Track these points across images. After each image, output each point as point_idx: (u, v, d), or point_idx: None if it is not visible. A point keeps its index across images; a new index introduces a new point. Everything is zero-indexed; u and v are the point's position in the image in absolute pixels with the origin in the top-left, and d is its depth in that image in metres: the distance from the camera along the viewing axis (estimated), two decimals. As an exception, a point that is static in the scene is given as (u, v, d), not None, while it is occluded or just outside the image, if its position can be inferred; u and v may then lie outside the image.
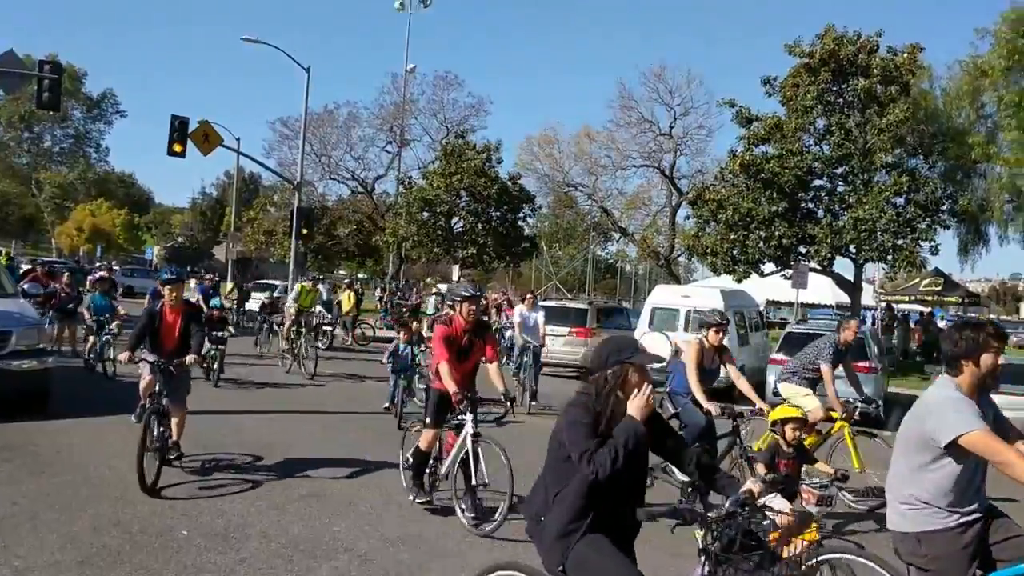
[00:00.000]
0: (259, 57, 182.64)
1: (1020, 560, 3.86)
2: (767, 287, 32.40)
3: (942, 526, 3.91)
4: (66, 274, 17.97)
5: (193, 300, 16.08)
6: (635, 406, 3.64)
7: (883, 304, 34.49)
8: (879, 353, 17.75)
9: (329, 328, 22.47)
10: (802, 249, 26.76)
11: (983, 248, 31.16)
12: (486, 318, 25.04)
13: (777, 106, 28.07)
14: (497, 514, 6.93)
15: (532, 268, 73.18)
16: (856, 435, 8.89)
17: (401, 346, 12.66)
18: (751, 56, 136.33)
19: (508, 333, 21.85)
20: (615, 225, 48.55)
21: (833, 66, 26.20)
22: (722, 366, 8.58)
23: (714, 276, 31.61)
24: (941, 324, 34.67)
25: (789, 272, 25.65)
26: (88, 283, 19.94)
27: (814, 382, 9.26)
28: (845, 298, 30.29)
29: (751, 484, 3.86)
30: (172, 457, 8.01)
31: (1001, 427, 4.13)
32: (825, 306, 38.89)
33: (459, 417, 7.24)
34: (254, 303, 29.18)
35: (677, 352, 17.98)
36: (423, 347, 14.08)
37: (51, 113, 47.00)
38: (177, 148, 23.87)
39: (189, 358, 7.92)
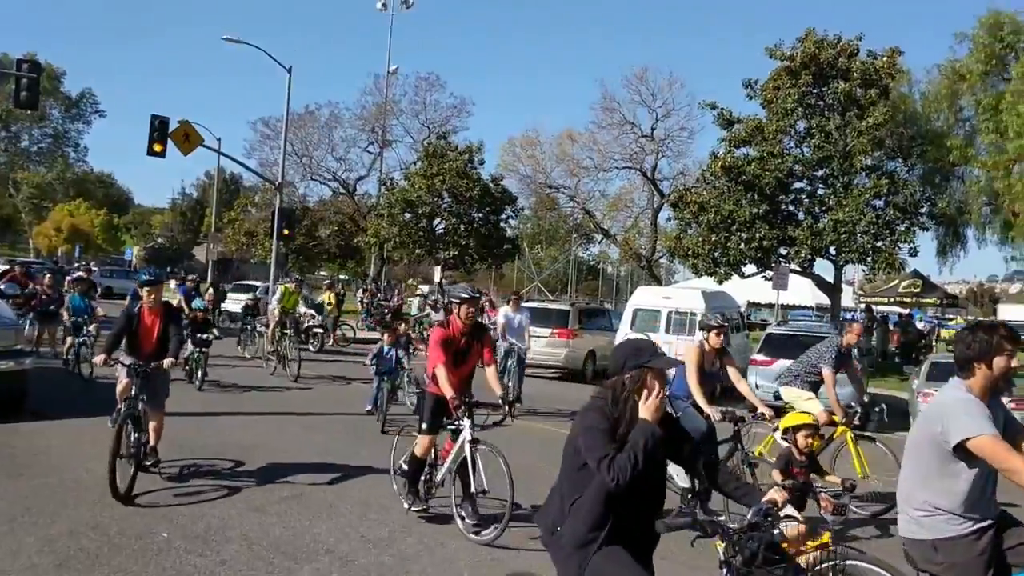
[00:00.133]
0: (240, 57, 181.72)
1: None
2: (748, 288, 32.55)
3: (958, 533, 3.85)
4: (48, 275, 17.76)
5: (175, 302, 15.90)
6: (647, 409, 3.53)
7: (862, 305, 34.75)
8: (859, 354, 17.85)
9: (320, 331, 22.31)
10: (782, 251, 26.91)
11: (961, 250, 31.52)
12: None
13: (758, 109, 28.26)
14: (499, 522, 6.76)
15: (514, 269, 73.19)
16: (857, 440, 8.80)
17: (385, 348, 12.48)
18: (733, 59, 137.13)
19: (490, 334, 21.89)
20: (597, 227, 48.72)
21: (814, 69, 26.38)
22: (723, 369, 8.42)
23: (695, 277, 31.76)
24: (919, 325, 34.95)
25: (770, 274, 25.78)
26: (66, 284, 19.75)
27: (816, 385, 9.15)
28: (825, 300, 30.52)
29: (774, 493, 3.67)
30: (149, 463, 7.87)
31: (1012, 430, 4.10)
32: (805, 307, 39.14)
33: (457, 422, 7.03)
34: (233, 304, 29.02)
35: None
36: (411, 349, 13.98)
37: (29, 112, 46.53)
38: (157, 148, 23.71)
39: (167, 361, 7.73)
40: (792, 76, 26.66)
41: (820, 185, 27.22)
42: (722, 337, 8.25)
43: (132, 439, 7.43)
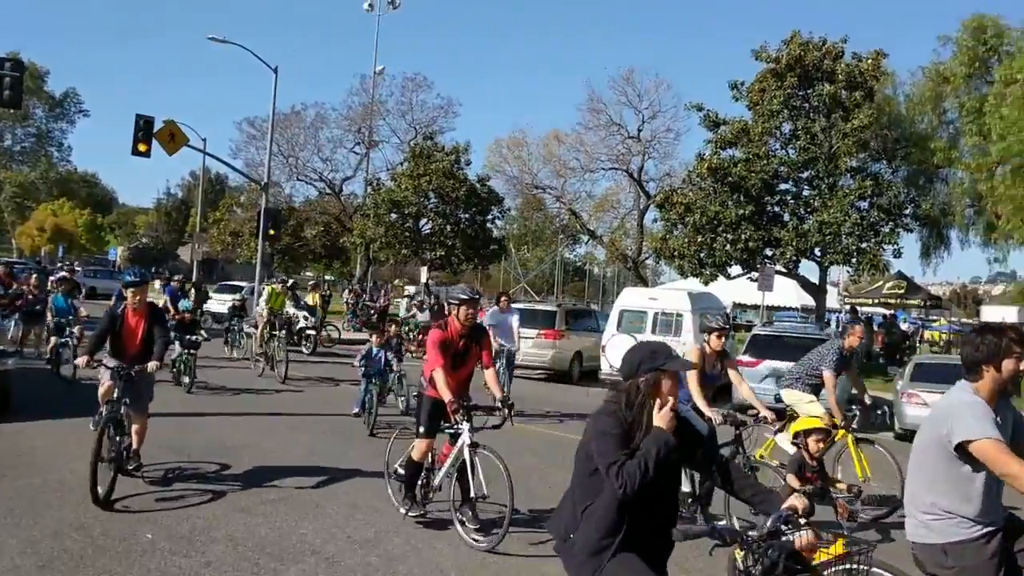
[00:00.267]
0: (226, 57, 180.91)
1: None
2: (734, 289, 32.66)
3: (967, 536, 3.82)
4: (34, 275, 17.61)
5: (160, 302, 15.75)
6: (661, 417, 3.44)
7: (847, 307, 34.91)
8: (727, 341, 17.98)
9: (313, 332, 21.94)
10: (768, 252, 27.03)
11: (945, 252, 31.72)
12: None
13: (744, 110, 28.40)
14: (498, 527, 6.69)
15: (500, 270, 73.18)
16: (858, 443, 8.74)
17: (374, 350, 12.38)
18: (719, 61, 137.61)
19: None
20: (583, 227, 48.76)
21: (799, 71, 26.52)
22: (724, 372, 8.30)
23: (681, 279, 31.85)
24: (903, 327, 35.17)
25: (755, 275, 25.88)
26: (49, 284, 19.58)
27: (817, 388, 9.05)
28: (810, 301, 30.65)
29: (794, 500, 3.55)
30: (131, 467, 7.77)
31: (1021, 432, 4.09)
32: (790, 308, 39.29)
33: (455, 426, 6.88)
34: (218, 304, 28.86)
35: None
36: (405, 351, 13.86)
37: (12, 112, 46.20)
38: (142, 148, 23.60)
39: (151, 364, 7.56)
40: (778, 78, 26.79)
41: (805, 186, 27.36)
42: (723, 340, 8.14)
43: (114, 443, 7.27)
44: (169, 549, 6.14)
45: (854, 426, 8.93)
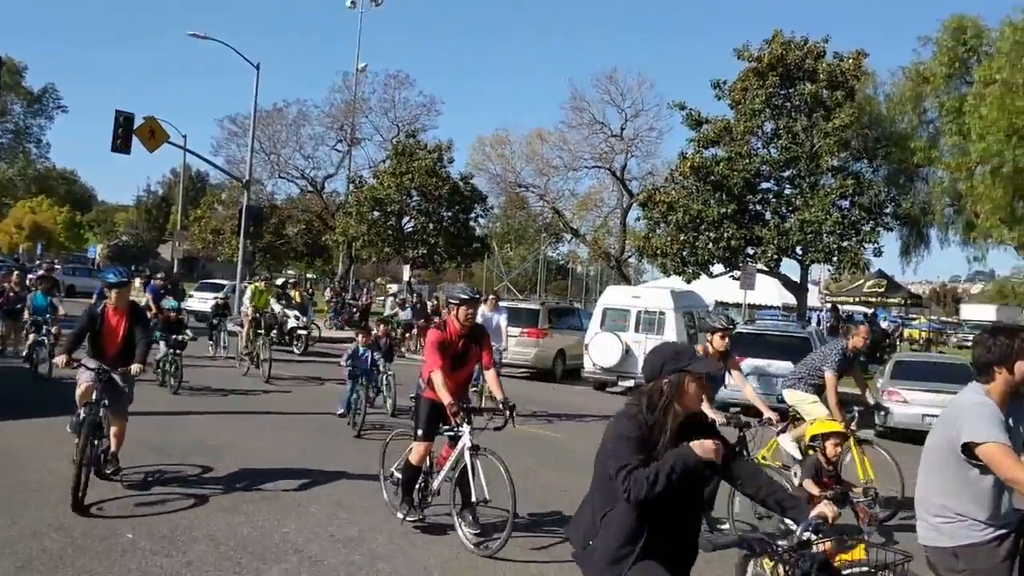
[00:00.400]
0: (207, 53, 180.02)
1: None
2: (716, 288, 32.71)
3: (978, 539, 3.77)
4: (15, 273, 17.42)
5: (142, 301, 15.56)
6: (702, 447, 3.25)
7: (828, 305, 35.10)
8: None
9: (304, 332, 21.55)
10: (750, 250, 27.13)
11: (924, 251, 31.93)
12: (436, 318, 25.00)
13: (726, 109, 28.47)
14: (499, 531, 6.61)
15: (483, 269, 73.10)
16: (859, 444, 8.67)
17: (360, 349, 12.17)
18: (702, 60, 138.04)
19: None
20: (566, 226, 48.81)
21: (781, 71, 26.63)
22: (727, 373, 8.16)
23: (664, 277, 31.92)
24: (884, 325, 35.41)
25: (737, 273, 25.97)
26: (28, 281, 19.39)
27: (820, 388, 8.87)
28: (792, 299, 30.78)
29: (824, 508, 3.38)
30: (109, 471, 7.60)
31: None
32: (772, 307, 39.44)
33: (455, 429, 6.75)
34: (199, 303, 28.67)
35: (628, 351, 18.18)
36: (397, 351, 13.66)
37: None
38: (122, 145, 23.42)
39: (135, 368, 7.34)
40: (759, 77, 26.89)
41: (787, 185, 27.49)
42: (727, 340, 7.97)
43: (93, 446, 7.05)
44: (150, 549, 6.08)
45: (852, 427, 8.87)
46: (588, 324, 19.96)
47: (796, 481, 6.52)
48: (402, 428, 7.94)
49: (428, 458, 7.10)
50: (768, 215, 27.33)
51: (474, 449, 6.61)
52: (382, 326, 14.09)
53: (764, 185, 27.72)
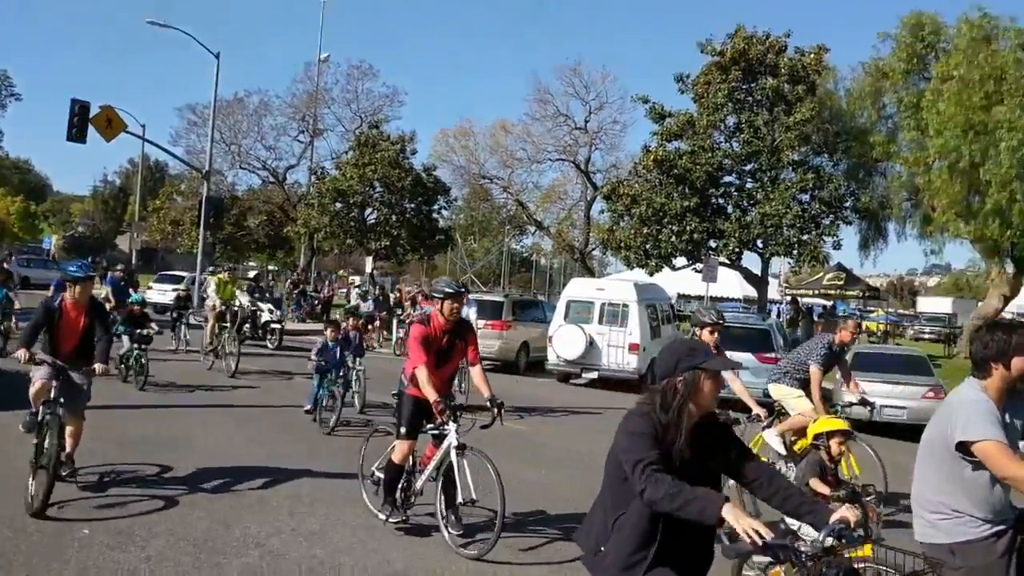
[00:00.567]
0: (166, 41, 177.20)
1: None
2: (678, 281, 33.03)
3: (975, 536, 3.75)
4: None
5: (102, 294, 15.15)
6: (741, 522, 2.93)
7: (788, 297, 35.50)
8: (784, 345, 18.27)
9: (278, 326, 20.99)
10: (712, 244, 27.38)
11: (882, 244, 32.36)
12: (399, 311, 24.84)
13: (690, 103, 28.68)
14: (484, 531, 6.49)
15: (447, 261, 72.96)
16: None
17: (329, 343, 11.84)
18: (666, 53, 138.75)
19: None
20: (530, 218, 48.84)
21: (743, 65, 26.87)
22: None
23: (628, 270, 32.09)
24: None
25: (700, 266, 26.19)
26: (-19, 273, 18.91)
27: (806, 383, 8.73)
28: (753, 292, 31.15)
29: (846, 512, 3.23)
30: (65, 472, 7.23)
31: None
32: (733, 300, 39.88)
33: (440, 427, 6.53)
34: (157, 295, 28.20)
35: (592, 343, 18.23)
36: (368, 346, 13.27)
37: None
38: (77, 134, 22.99)
39: (99, 367, 7.07)
40: (722, 71, 27.10)
41: (748, 179, 27.77)
42: (716, 335, 7.69)
43: (51, 447, 6.70)
44: (107, 544, 5.95)
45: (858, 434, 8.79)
46: (552, 316, 19.97)
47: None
48: (383, 425, 7.70)
49: (411, 457, 6.87)
50: (730, 208, 27.59)
51: (460, 448, 6.42)
52: (351, 319, 13.69)
53: (726, 179, 27.99)
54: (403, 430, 6.76)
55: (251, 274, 22.76)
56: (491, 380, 6.86)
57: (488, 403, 6.54)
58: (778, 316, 30.44)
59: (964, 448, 3.69)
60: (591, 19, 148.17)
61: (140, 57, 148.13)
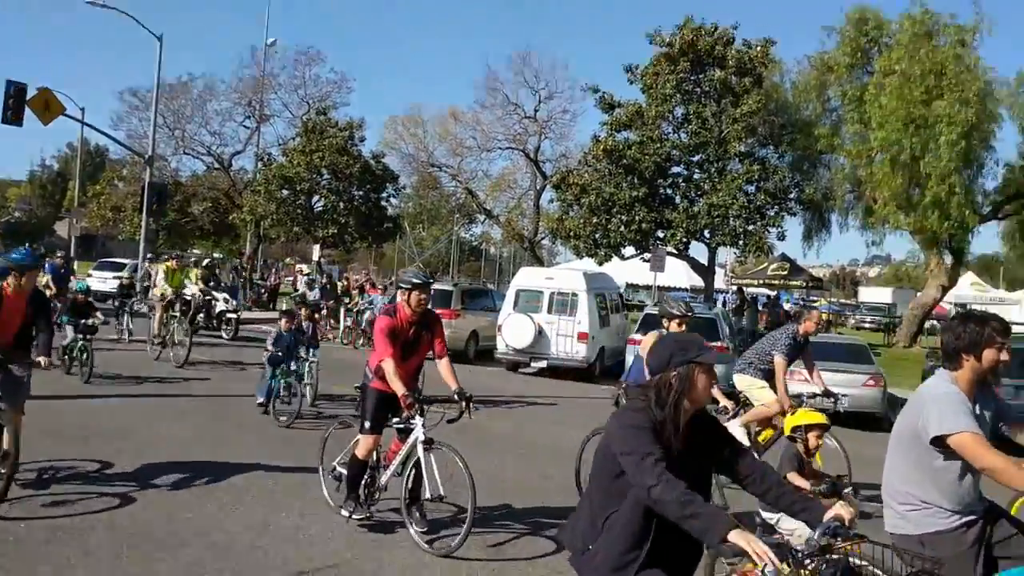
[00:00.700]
0: (107, 22, 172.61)
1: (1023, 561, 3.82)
2: (627, 270, 33.28)
3: (944, 527, 3.75)
4: None
5: (43, 282, 14.64)
6: (754, 546, 2.83)
7: (734, 287, 36.02)
8: (730, 334, 18.53)
9: (234, 316, 20.49)
10: (660, 233, 27.61)
11: (826, 235, 33.00)
12: (347, 299, 24.62)
13: (639, 93, 28.82)
14: (449, 527, 6.38)
15: (395, 249, 72.52)
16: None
17: (283, 334, 11.51)
18: (616, 43, 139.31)
19: (368, 315, 21.58)
20: (480, 207, 48.79)
21: (691, 56, 27.08)
22: None
23: (577, 259, 32.23)
24: (786, 307, 36.52)
25: (648, 256, 26.39)
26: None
27: (770, 373, 8.69)
28: (699, 281, 31.49)
29: (840, 509, 3.17)
30: (3, 471, 6.83)
31: (1004, 419, 4.08)
32: (680, 289, 40.28)
33: (406, 421, 6.34)
34: (98, 282, 27.54)
35: (541, 332, 18.27)
36: (319, 339, 12.91)
37: None
38: (13, 116, 22.32)
39: (43, 360, 6.84)
40: (671, 62, 27.28)
41: (696, 170, 28.05)
42: (684, 328, 7.55)
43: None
44: (44, 538, 5.79)
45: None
46: (501, 305, 19.97)
47: None
48: (343, 418, 7.57)
49: (375, 452, 6.72)
50: (678, 199, 27.85)
51: (428, 443, 6.26)
52: (304, 310, 13.33)
53: (674, 169, 28.24)
54: (367, 424, 6.58)
55: (204, 262, 22.20)
56: (438, 370, 6.75)
57: (456, 396, 6.35)
58: (724, 305, 30.88)
59: (939, 442, 3.68)
60: (542, 8, 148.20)
61: (80, 39, 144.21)
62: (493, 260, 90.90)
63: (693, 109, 27.24)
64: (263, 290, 34.75)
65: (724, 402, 8.08)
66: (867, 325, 45.56)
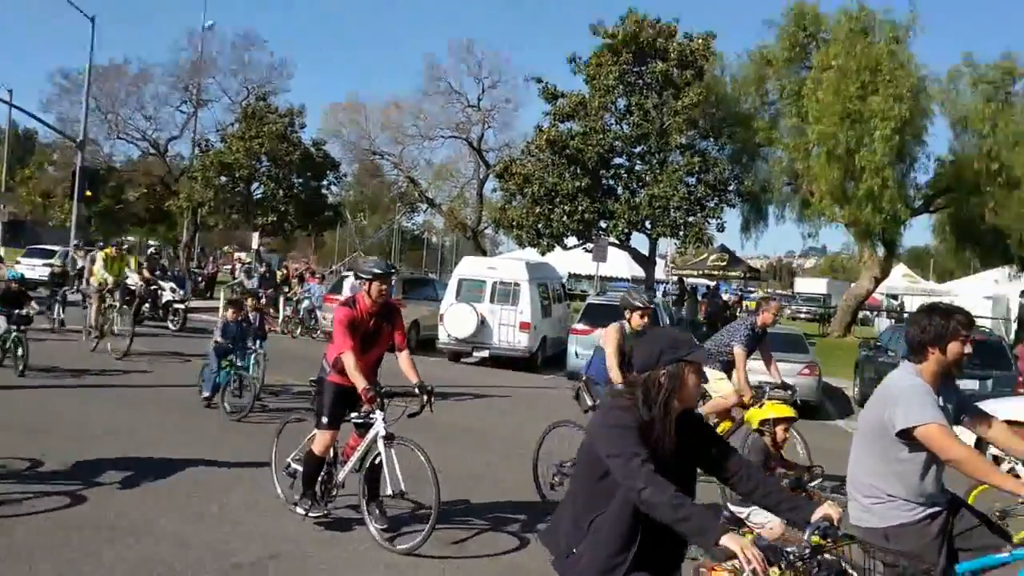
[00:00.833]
0: (36, 2, 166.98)
1: (986, 552, 3.86)
2: (569, 260, 33.42)
3: (908, 519, 3.77)
4: None
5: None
6: (747, 551, 2.76)
7: (674, 277, 36.46)
8: (670, 323, 18.75)
9: (182, 307, 19.85)
10: (602, 224, 27.78)
11: (763, 226, 33.55)
12: (287, 288, 24.28)
13: (582, 84, 28.91)
14: (409, 524, 6.23)
15: (336, 238, 71.78)
16: None
17: (231, 325, 11.09)
18: (560, 34, 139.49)
19: (305, 303, 21.32)
20: (422, 196, 48.49)
21: (634, 48, 27.24)
22: None
23: (519, 249, 32.27)
24: (725, 297, 37.11)
25: (590, 246, 26.54)
26: None
27: (729, 365, 8.65)
28: (641, 272, 31.78)
29: (828, 509, 3.11)
30: None
31: (966, 412, 4.12)
32: (622, 279, 40.61)
33: (366, 416, 6.15)
34: (26, 269, 26.68)
35: (483, 322, 18.25)
36: (266, 331, 12.45)
37: None
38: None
39: None
40: (614, 54, 27.42)
41: (638, 161, 28.28)
42: (646, 319, 7.41)
43: None
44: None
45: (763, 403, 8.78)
46: (443, 295, 19.89)
47: None
48: (298, 413, 7.35)
49: (332, 448, 6.51)
50: (620, 190, 28.05)
51: (389, 438, 6.03)
52: (251, 300, 12.85)
53: (617, 160, 28.42)
54: (325, 419, 6.34)
55: (149, 251, 21.62)
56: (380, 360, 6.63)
57: (417, 390, 6.20)
58: (664, 295, 31.25)
59: (906, 434, 3.69)
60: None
61: (7, 18, 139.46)
62: (435, 249, 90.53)
63: (635, 101, 27.43)
64: (200, 279, 34.12)
65: None
66: (803, 315, 46.49)
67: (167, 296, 19.66)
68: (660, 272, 36.07)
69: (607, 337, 7.33)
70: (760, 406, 6.70)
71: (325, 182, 38.00)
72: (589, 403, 7.35)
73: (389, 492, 6.01)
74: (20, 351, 11.95)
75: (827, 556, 3.06)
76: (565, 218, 27.00)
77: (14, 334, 12.03)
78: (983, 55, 32.40)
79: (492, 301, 18.36)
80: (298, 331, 20.71)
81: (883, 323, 35.71)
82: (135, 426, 9.38)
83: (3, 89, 33.14)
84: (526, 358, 18.23)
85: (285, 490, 6.78)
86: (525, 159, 29.09)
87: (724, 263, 35.40)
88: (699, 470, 3.33)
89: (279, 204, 35.17)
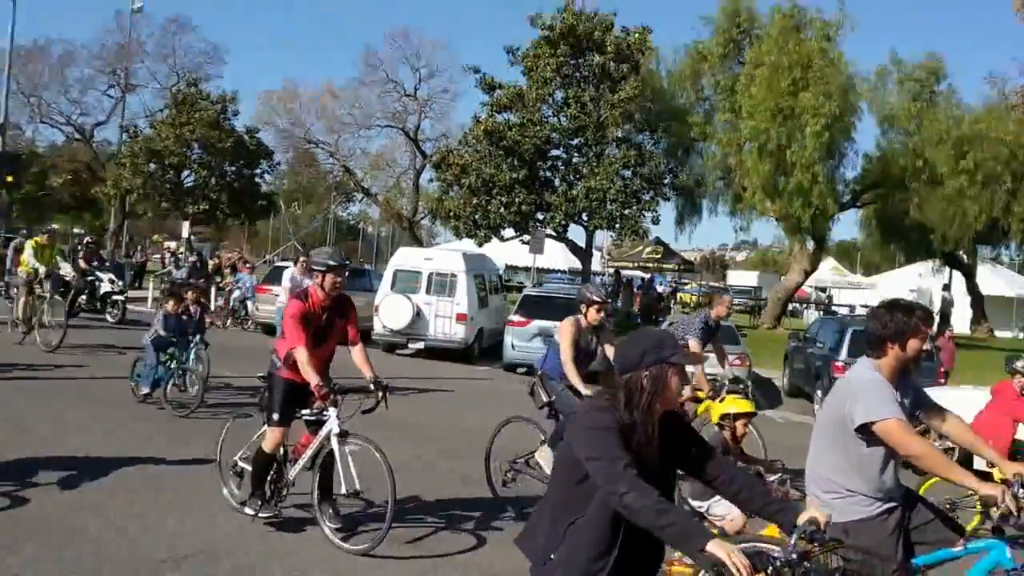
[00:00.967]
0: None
1: (941, 545, 3.94)
2: (506, 252, 33.44)
3: (867, 514, 3.80)
4: None
5: None
6: (733, 558, 2.68)
7: (611, 269, 36.80)
8: (605, 315, 18.85)
9: (121, 299, 19.17)
10: (540, 216, 27.85)
11: (697, 220, 34.02)
12: (219, 278, 23.81)
13: (520, 76, 28.89)
14: (365, 524, 6.11)
15: (269, 227, 70.70)
16: None
17: (170, 317, 10.61)
18: (498, 25, 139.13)
19: (236, 294, 20.96)
20: (358, 185, 48.04)
21: (572, 41, 27.31)
22: (599, 347, 7.40)
23: (456, 240, 32.19)
24: (659, 289, 37.58)
25: (527, 238, 26.60)
26: None
27: None
28: (577, 263, 31.98)
29: (814, 512, 3.05)
30: None
31: (923, 408, 4.17)
32: (559, 271, 40.84)
33: (318, 413, 6.02)
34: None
35: (419, 313, 18.16)
36: (210, 322, 11.94)
37: None
38: None
39: None
40: (551, 46, 27.45)
41: (575, 154, 28.39)
42: (602, 313, 7.33)
43: None
44: None
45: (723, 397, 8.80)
46: (378, 285, 19.72)
47: None
48: (244, 409, 7.14)
49: (282, 446, 6.32)
50: (557, 182, 28.14)
51: (342, 435, 5.90)
52: (191, 292, 12.39)
53: (554, 152, 28.49)
54: (275, 416, 6.16)
55: (86, 240, 20.87)
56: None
57: (372, 385, 6.07)
58: (603, 287, 31.49)
59: (865, 429, 3.72)
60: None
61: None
62: (371, 240, 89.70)
63: (572, 93, 27.52)
64: (130, 268, 33.26)
65: None
66: (735, 307, 47.25)
67: (105, 287, 19.04)
68: (596, 264, 36.35)
69: (562, 331, 7.24)
70: (720, 400, 6.73)
71: (259, 170, 37.43)
72: (544, 399, 7.27)
73: (344, 491, 5.88)
74: None
75: (814, 561, 3.02)
76: (502, 209, 26.99)
77: None
78: (909, 55, 33.22)
79: (428, 292, 18.26)
80: (228, 322, 20.34)
81: (812, 315, 36.54)
82: (71, 422, 9.02)
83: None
84: (462, 349, 18.19)
85: (232, 490, 6.57)
86: (462, 150, 28.98)
87: (659, 255, 35.85)
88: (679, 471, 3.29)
89: (211, 192, 34.51)
